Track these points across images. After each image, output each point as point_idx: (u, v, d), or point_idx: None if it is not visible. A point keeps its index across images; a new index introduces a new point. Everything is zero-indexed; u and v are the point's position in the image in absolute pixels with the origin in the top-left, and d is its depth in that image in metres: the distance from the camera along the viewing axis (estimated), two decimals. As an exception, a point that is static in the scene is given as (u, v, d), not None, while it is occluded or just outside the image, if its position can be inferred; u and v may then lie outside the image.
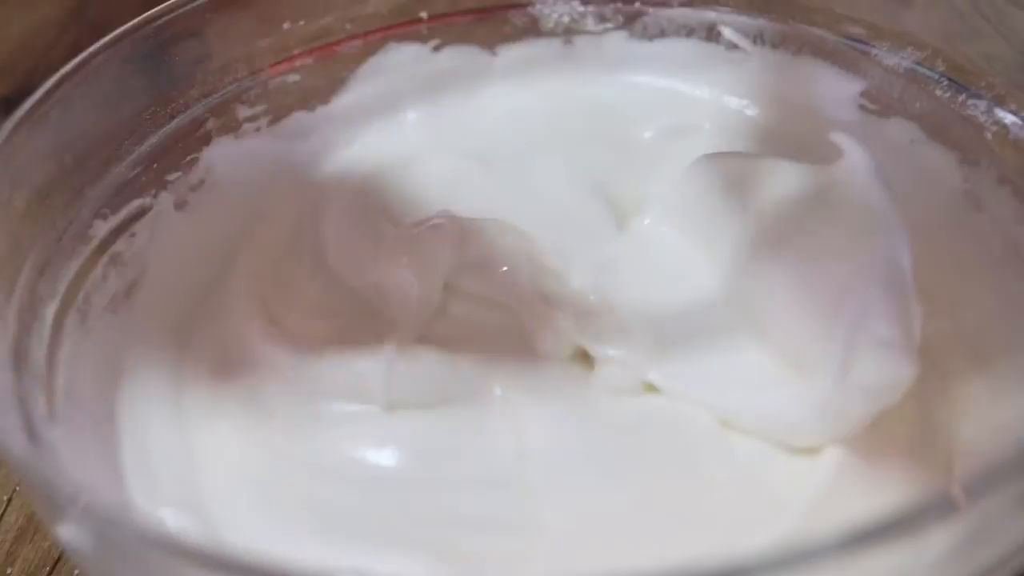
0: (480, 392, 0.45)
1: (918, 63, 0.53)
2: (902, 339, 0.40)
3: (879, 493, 0.40)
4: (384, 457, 0.43)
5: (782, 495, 0.40)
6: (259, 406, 0.46)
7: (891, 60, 0.54)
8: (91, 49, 0.49)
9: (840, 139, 0.43)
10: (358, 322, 0.49)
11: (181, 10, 0.52)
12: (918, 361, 0.40)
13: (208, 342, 0.49)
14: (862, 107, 0.56)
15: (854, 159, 0.43)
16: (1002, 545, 0.31)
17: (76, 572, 0.48)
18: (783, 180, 0.45)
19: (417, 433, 0.44)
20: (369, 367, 0.45)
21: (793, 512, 0.39)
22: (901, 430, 0.42)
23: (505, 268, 0.48)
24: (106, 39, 0.49)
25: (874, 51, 0.55)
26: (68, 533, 0.32)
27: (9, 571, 0.48)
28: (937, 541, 0.29)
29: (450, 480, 0.42)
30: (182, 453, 0.45)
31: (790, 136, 0.58)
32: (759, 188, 0.45)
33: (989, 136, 0.50)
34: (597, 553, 0.39)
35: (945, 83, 0.52)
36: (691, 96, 0.60)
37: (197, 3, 0.53)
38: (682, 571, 0.27)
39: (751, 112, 0.59)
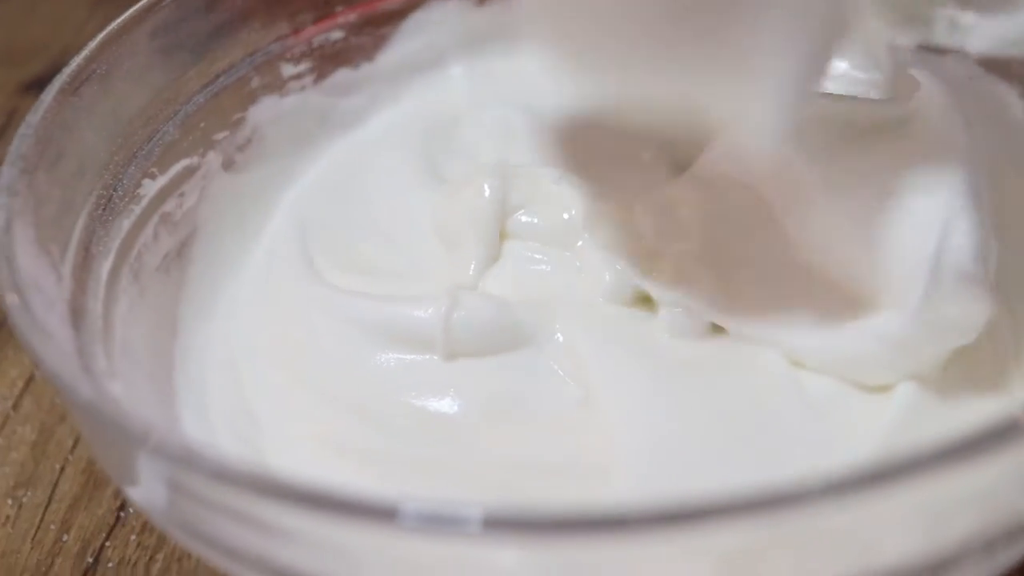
0: (541, 338, 0.44)
1: (974, -4, 0.52)
2: (984, 274, 0.39)
3: (953, 429, 0.39)
4: (445, 405, 0.43)
5: (854, 431, 0.40)
6: (315, 361, 0.46)
7: (946, -5, 0.54)
8: (133, 10, 0.49)
9: (918, 72, 0.42)
10: (411, 275, 0.49)
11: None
12: (995, 297, 0.40)
13: (260, 300, 0.49)
14: (919, 46, 0.55)
15: (931, 92, 0.42)
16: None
17: (132, 537, 0.48)
18: (857, 115, 0.44)
19: (478, 381, 0.44)
20: (427, 317, 0.44)
21: (866, 448, 0.39)
22: (974, 367, 0.42)
23: (566, 215, 0.47)
24: (146, 2, 0.49)
25: (927, -13, 0.54)
26: (140, 475, 0.32)
27: (65, 538, 0.48)
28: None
29: (514, 427, 0.42)
30: (240, 408, 0.45)
31: (845, 78, 0.57)
32: (830, 125, 0.44)
33: (1053, 67, 0.49)
34: (668, 492, 0.38)
35: (1003, 15, 0.51)
36: None
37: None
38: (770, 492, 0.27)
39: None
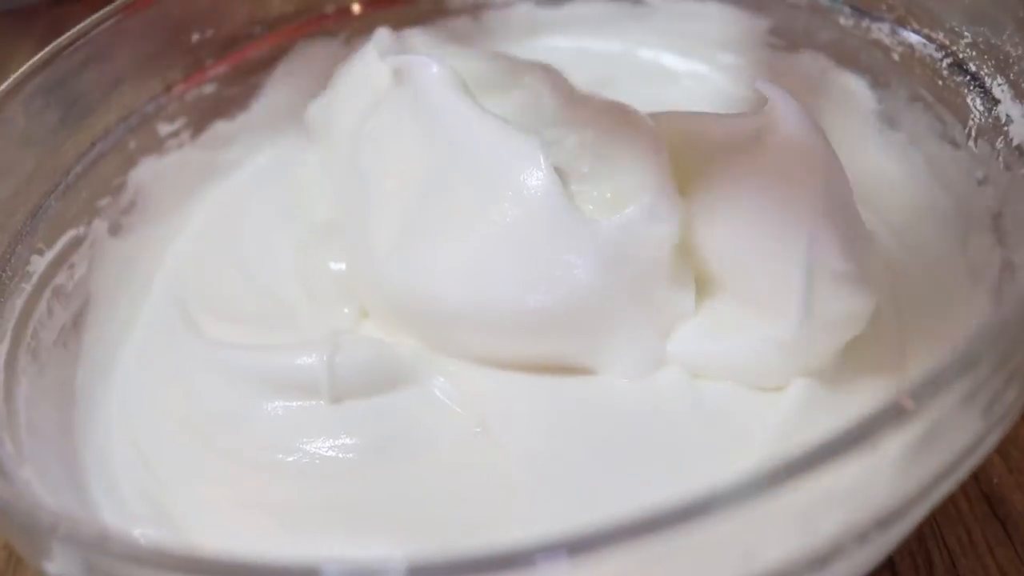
0: (425, 375, 0.45)
1: (819, -6, 0.55)
2: (858, 269, 0.41)
3: (845, 418, 0.41)
4: (338, 448, 0.44)
5: (750, 434, 0.41)
6: (206, 417, 0.46)
7: (793, -6, 0.56)
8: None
9: (763, 86, 0.43)
10: (290, 322, 0.49)
11: (87, 36, 0.52)
12: (876, 288, 0.42)
13: (148, 361, 0.50)
14: (771, 44, 0.57)
15: (779, 103, 0.43)
16: (951, 449, 0.32)
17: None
18: (714, 131, 0.46)
19: (368, 421, 0.44)
20: (310, 363, 0.45)
21: (758, 446, 0.41)
22: (865, 355, 0.44)
23: None
24: (13, 78, 0.49)
25: (775, -12, 0.56)
26: (53, 566, 0.32)
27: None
28: (889, 450, 0.30)
29: (410, 461, 0.43)
30: (143, 470, 0.45)
31: (706, 80, 0.59)
32: (690, 142, 0.46)
33: (896, 57, 0.51)
34: (570, 510, 0.39)
35: (847, 11, 0.53)
36: (605, 52, 0.61)
37: (102, 28, 0.52)
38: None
39: (666, 61, 0.60)
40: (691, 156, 0.45)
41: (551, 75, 0.52)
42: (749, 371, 0.43)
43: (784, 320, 0.41)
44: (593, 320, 0.43)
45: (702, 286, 0.45)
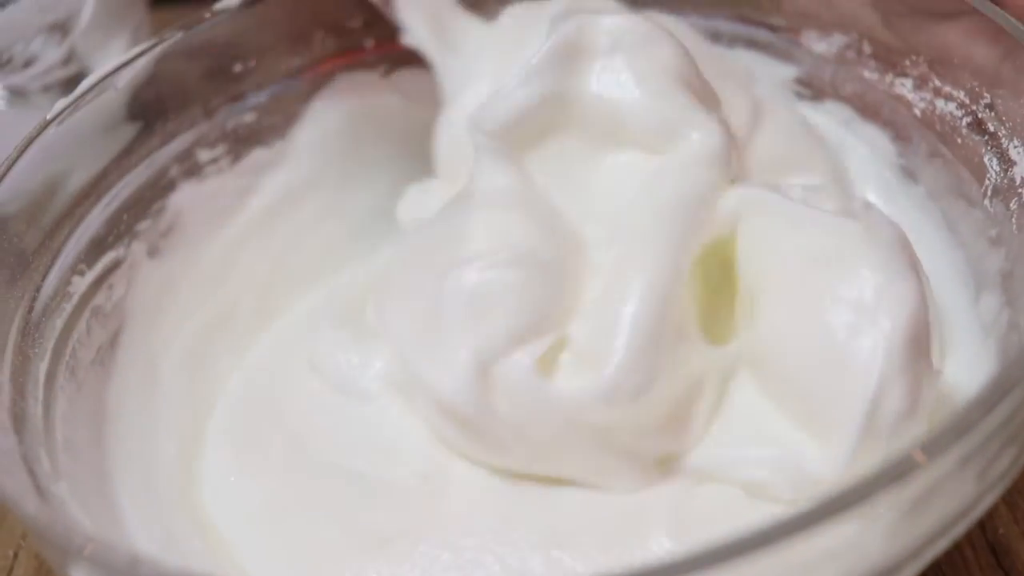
0: None
1: (846, 47, 0.56)
2: (920, 410, 0.39)
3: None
4: None
5: None
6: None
7: (820, 47, 0.57)
8: (51, 114, 0.50)
9: (866, 208, 0.42)
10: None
11: (134, 63, 0.54)
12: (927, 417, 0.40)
13: (183, 377, 0.52)
14: (797, 93, 0.58)
15: (878, 226, 0.41)
16: (943, 512, 0.33)
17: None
18: (801, 230, 0.43)
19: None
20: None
21: None
22: None
23: None
24: (63, 102, 0.51)
25: (803, 39, 0.57)
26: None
27: (20, 622, 0.50)
28: (885, 510, 0.31)
29: None
30: (182, 500, 0.47)
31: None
32: (769, 230, 0.45)
33: (918, 112, 0.53)
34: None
35: (872, 64, 0.55)
36: None
37: (149, 55, 0.54)
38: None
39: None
40: (766, 246, 0.44)
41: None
42: (767, 487, 0.42)
43: (830, 452, 0.40)
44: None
45: (757, 394, 0.44)
